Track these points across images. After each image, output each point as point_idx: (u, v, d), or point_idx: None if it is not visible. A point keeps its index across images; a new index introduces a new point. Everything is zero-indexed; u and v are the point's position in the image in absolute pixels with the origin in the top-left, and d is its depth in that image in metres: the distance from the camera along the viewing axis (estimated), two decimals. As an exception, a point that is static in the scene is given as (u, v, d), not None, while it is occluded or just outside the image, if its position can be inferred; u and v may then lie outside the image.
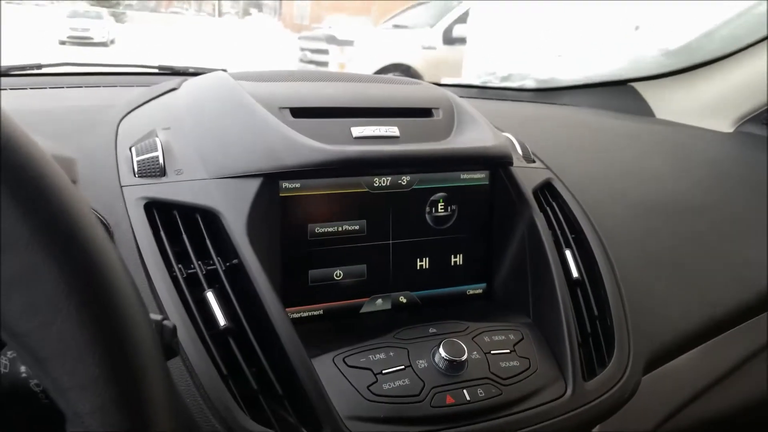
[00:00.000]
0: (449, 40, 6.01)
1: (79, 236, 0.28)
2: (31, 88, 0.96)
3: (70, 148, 0.69)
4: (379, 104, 0.75)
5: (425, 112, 0.76)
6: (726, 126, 1.30)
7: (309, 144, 0.63)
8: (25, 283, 0.27)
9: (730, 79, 1.28)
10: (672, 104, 1.34)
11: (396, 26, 6.79)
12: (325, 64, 6.46)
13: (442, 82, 1.43)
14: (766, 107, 1.27)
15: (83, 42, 11.29)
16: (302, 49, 7.07)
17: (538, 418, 0.63)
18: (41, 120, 0.75)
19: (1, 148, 0.27)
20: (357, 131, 0.69)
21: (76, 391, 0.27)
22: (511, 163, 0.74)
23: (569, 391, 0.65)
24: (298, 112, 0.69)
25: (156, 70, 1.16)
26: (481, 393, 0.61)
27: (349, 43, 6.32)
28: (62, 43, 11.21)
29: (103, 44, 11.65)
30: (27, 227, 0.27)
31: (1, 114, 0.29)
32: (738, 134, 1.29)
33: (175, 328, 0.38)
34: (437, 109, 0.76)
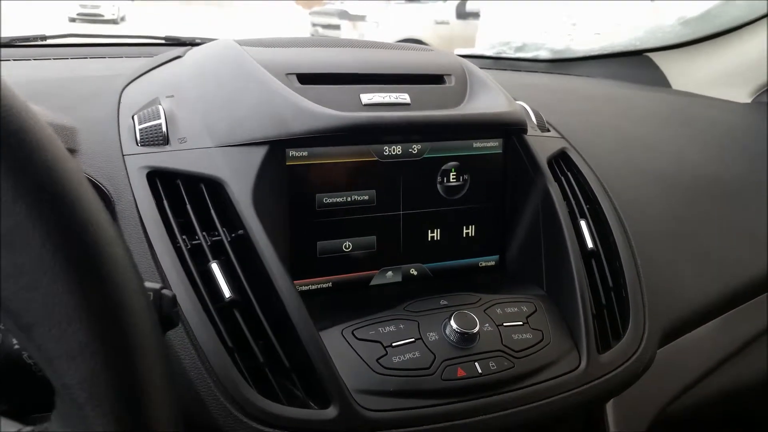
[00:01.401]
0: (462, 14, 5.92)
1: (66, 196, 0.27)
2: (35, 59, 0.94)
3: (72, 118, 0.67)
4: (389, 70, 0.72)
5: (437, 79, 0.73)
6: (743, 96, 1.26)
7: (316, 110, 0.61)
8: (10, 243, 0.25)
9: (747, 49, 1.24)
10: (688, 75, 1.31)
11: (409, 0, 6.70)
12: (336, 39, 6.40)
13: (456, 52, 1.39)
14: (784, 77, 1.23)
15: (93, 19, 11.27)
16: (314, 25, 7.02)
17: (552, 391, 0.62)
18: (43, 90, 0.73)
19: None
20: (366, 98, 0.67)
21: (63, 360, 0.26)
22: (525, 131, 0.71)
23: (583, 364, 0.64)
24: (306, 78, 0.67)
25: (162, 41, 1.14)
26: (493, 366, 0.60)
27: (362, 18, 6.25)
28: (72, 20, 11.19)
29: (113, 21, 11.62)
30: (11, 185, 0.25)
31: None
32: (755, 105, 1.26)
33: (174, 297, 0.37)
34: (449, 75, 0.74)
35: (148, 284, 0.36)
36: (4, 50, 0.99)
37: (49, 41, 1.07)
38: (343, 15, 6.46)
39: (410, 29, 6.03)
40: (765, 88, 1.25)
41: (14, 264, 0.25)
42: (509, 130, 0.71)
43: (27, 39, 1.05)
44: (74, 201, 0.27)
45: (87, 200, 0.27)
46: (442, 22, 6.10)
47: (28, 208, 0.25)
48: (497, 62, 1.37)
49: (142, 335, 0.28)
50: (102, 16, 11.46)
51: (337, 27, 6.52)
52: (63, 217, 0.26)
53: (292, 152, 0.63)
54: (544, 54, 1.39)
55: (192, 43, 1.12)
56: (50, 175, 0.26)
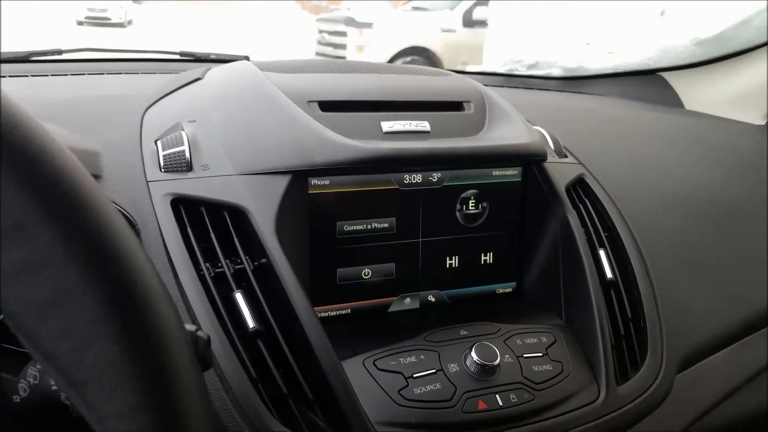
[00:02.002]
0: (469, 22, 5.93)
1: (117, 256, 0.27)
2: (52, 75, 0.95)
3: (94, 141, 0.68)
4: (409, 97, 0.73)
5: (456, 106, 0.74)
6: (757, 118, 1.26)
7: (339, 141, 0.62)
8: (61, 305, 0.26)
9: (762, 70, 1.24)
10: (701, 95, 1.31)
11: (415, 8, 6.72)
12: (343, 46, 6.41)
13: (467, 69, 1.40)
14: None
15: (101, 22, 11.29)
16: (320, 31, 7.02)
17: (571, 424, 0.62)
18: (63, 110, 0.74)
19: (36, 164, 0.26)
20: (387, 126, 0.67)
21: (113, 419, 0.26)
22: (545, 160, 0.72)
23: (602, 396, 0.64)
24: (327, 106, 0.67)
25: (177, 57, 1.15)
26: (513, 398, 0.60)
27: (368, 25, 6.26)
28: (80, 23, 11.22)
29: (121, 25, 11.65)
30: (62, 247, 0.26)
31: (32, 121, 0.27)
32: None
33: (209, 339, 0.37)
34: (468, 102, 0.74)
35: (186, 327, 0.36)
36: (21, 66, 0.99)
37: (64, 55, 1.08)
38: (350, 22, 6.47)
39: (417, 37, 6.04)
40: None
41: (66, 325, 0.25)
42: (529, 160, 0.71)
43: (44, 53, 1.06)
44: (124, 261, 0.27)
45: (136, 259, 0.28)
46: (449, 30, 6.11)
47: (80, 270, 0.26)
48: (509, 80, 1.37)
49: (189, 391, 0.28)
50: (110, 19, 11.48)
51: (343, 34, 6.53)
52: (113, 279, 0.27)
53: (314, 181, 0.63)
54: (556, 72, 1.39)
55: (207, 59, 1.13)
56: (102, 236, 0.27)
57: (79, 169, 0.29)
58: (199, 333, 0.37)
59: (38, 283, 0.25)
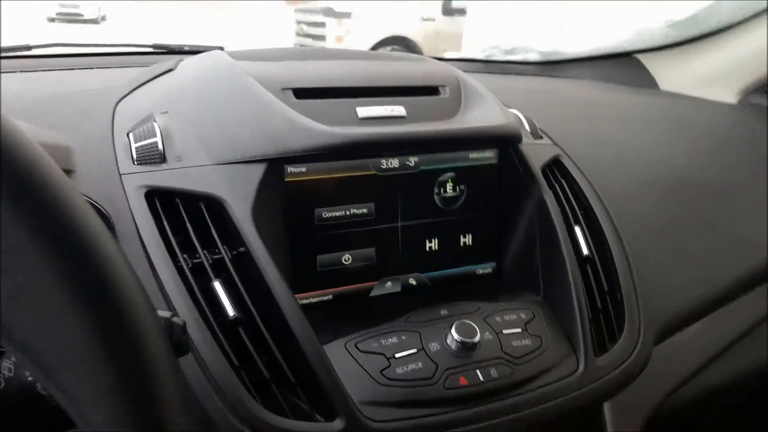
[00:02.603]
0: (448, 11, 5.93)
1: (85, 244, 0.27)
2: (21, 71, 0.93)
3: (66, 136, 0.67)
4: (384, 83, 0.73)
5: (432, 90, 0.74)
6: (731, 97, 1.28)
7: (314, 127, 0.62)
8: (30, 292, 0.26)
9: (734, 50, 1.26)
10: (676, 76, 1.32)
11: (393, -4, 6.69)
12: (322, 37, 6.38)
13: (445, 56, 1.40)
14: (770, 78, 1.25)
15: (73, 19, 11.10)
16: (298, 23, 6.98)
17: (551, 396, 0.63)
18: (34, 108, 0.73)
19: (1, 155, 0.26)
20: (362, 111, 0.67)
21: (88, 403, 0.26)
22: (520, 142, 0.72)
23: (581, 368, 0.65)
24: (302, 93, 0.67)
25: (150, 49, 1.13)
26: (494, 373, 0.61)
27: (347, 15, 6.23)
28: (51, 20, 11.02)
29: (94, 21, 11.46)
30: (30, 236, 0.26)
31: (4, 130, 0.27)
32: (743, 106, 1.27)
33: (185, 324, 0.37)
34: (444, 86, 0.74)
35: (159, 313, 0.36)
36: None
37: (34, 51, 1.06)
38: (328, 12, 6.44)
39: (396, 26, 6.03)
40: (752, 89, 1.26)
41: (36, 312, 0.26)
42: (504, 141, 0.72)
43: (12, 49, 1.04)
44: (93, 248, 0.27)
45: (105, 245, 0.28)
46: (429, 19, 6.10)
47: (51, 261, 0.26)
48: (487, 65, 1.38)
49: (163, 371, 0.28)
50: (82, 15, 11.28)
51: (322, 24, 6.49)
52: (82, 265, 0.27)
53: (290, 168, 0.63)
54: (533, 57, 1.40)
55: (181, 51, 1.12)
56: (69, 225, 0.27)
57: (44, 158, 0.29)
58: (174, 319, 0.37)
59: (8, 272, 0.26)
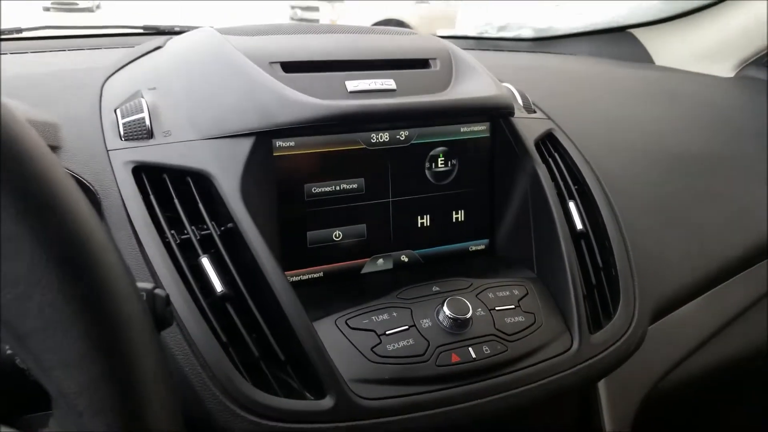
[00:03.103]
0: (442, -7, 5.87)
1: (56, 204, 0.26)
2: (11, 53, 0.92)
3: (53, 114, 0.66)
4: (374, 56, 0.71)
5: (422, 63, 0.73)
6: (726, 71, 1.27)
7: (302, 99, 0.61)
8: (1, 254, 0.25)
9: (729, 23, 1.25)
10: (671, 50, 1.31)
11: (388, -20, 6.62)
12: (316, 21, 6.33)
13: (438, 34, 1.38)
14: (767, 50, 1.24)
15: (68, 8, 11.01)
16: (292, 7, 6.92)
17: (545, 373, 0.62)
18: (22, 85, 0.72)
19: None
20: (352, 85, 0.66)
21: (60, 370, 0.25)
22: (513, 114, 0.71)
23: (575, 345, 0.65)
24: (290, 67, 0.66)
25: (141, 31, 1.12)
26: (486, 350, 0.60)
27: (340, -1, 6.18)
28: (46, 9, 10.91)
29: (89, 9, 11.34)
30: (0, 194, 0.25)
31: None
32: (739, 79, 1.26)
33: (167, 296, 0.36)
34: (434, 59, 0.73)
35: (140, 285, 0.36)
36: (-22, 45, 0.96)
37: (24, 34, 1.05)
38: (322, -4, 6.39)
39: (390, 9, 5.97)
40: (748, 62, 1.25)
41: (6, 274, 0.25)
42: (496, 113, 0.71)
43: (3, 32, 1.03)
44: (65, 209, 0.26)
45: (78, 207, 0.27)
46: (423, 2, 6.05)
47: (18, 217, 0.25)
48: (480, 42, 1.36)
49: (139, 341, 0.28)
50: (77, 4, 11.17)
51: (315, 9, 6.45)
52: (53, 226, 0.26)
53: (278, 143, 0.62)
54: (526, 33, 1.38)
55: (171, 32, 1.10)
56: (40, 184, 0.26)
57: (17, 121, 0.28)
58: (157, 291, 0.36)
59: None
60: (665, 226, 0.86)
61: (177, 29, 1.11)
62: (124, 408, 0.26)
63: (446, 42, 0.78)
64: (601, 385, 0.75)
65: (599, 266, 0.72)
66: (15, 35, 1.04)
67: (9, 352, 0.35)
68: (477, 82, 0.71)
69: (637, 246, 0.76)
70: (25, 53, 0.93)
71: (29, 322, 0.25)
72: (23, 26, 1.06)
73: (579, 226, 0.72)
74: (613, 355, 0.67)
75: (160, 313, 0.36)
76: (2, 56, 0.90)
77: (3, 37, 1.02)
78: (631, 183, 0.86)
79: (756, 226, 0.94)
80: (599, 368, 0.66)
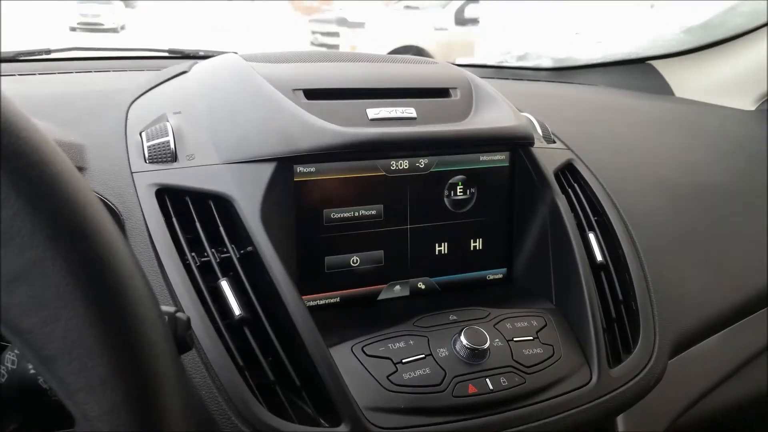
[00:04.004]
0: (461, 20, 5.94)
1: (86, 228, 0.26)
2: (39, 74, 0.94)
3: (79, 134, 0.67)
4: (395, 84, 0.72)
5: (442, 92, 0.73)
6: (748, 104, 1.26)
7: (324, 126, 0.61)
8: (29, 277, 0.25)
9: (751, 56, 1.24)
10: (692, 82, 1.31)
11: (407, 7, 6.72)
12: (336, 46, 6.43)
13: (457, 62, 1.40)
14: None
15: (94, 28, 11.27)
16: (313, 32, 7.03)
17: (563, 407, 0.61)
18: (49, 106, 0.73)
19: (1, 133, 0.25)
20: (372, 113, 0.67)
21: (84, 393, 0.25)
22: (533, 144, 0.71)
23: (594, 379, 0.64)
24: (312, 94, 0.67)
25: (166, 54, 1.14)
26: (504, 382, 0.60)
27: (360, 25, 6.27)
28: (73, 29, 11.20)
29: (114, 30, 11.63)
30: (29, 219, 0.25)
31: (1, 98, 0.27)
32: (760, 112, 1.25)
33: (188, 320, 0.37)
34: (455, 89, 0.74)
35: (163, 308, 0.36)
36: (9, 65, 0.99)
37: (53, 55, 1.07)
38: (342, 22, 6.48)
39: (409, 36, 6.04)
40: (768, 96, 1.25)
41: (33, 298, 0.25)
42: (516, 143, 0.71)
43: (31, 53, 1.05)
44: (94, 233, 0.27)
45: (106, 232, 0.27)
46: (441, 29, 6.11)
47: (47, 241, 0.25)
48: (499, 71, 1.37)
49: (162, 366, 0.28)
50: (102, 24, 11.45)
51: (336, 34, 6.55)
52: (82, 250, 0.26)
53: (299, 168, 0.63)
54: (546, 62, 1.39)
55: (195, 56, 1.13)
56: (70, 208, 0.26)
57: (49, 143, 0.28)
58: (179, 314, 0.37)
59: (6, 256, 0.25)
60: (685, 259, 0.85)
61: (201, 53, 1.14)
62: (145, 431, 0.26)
63: (466, 71, 0.78)
64: (620, 420, 0.73)
65: (619, 299, 0.71)
66: (44, 56, 1.07)
67: (32, 371, 0.36)
68: (497, 111, 0.71)
69: (657, 279, 0.76)
70: (54, 74, 0.95)
71: (54, 345, 0.26)
72: (52, 47, 1.08)
73: (599, 257, 0.72)
74: (633, 390, 0.66)
75: (181, 336, 0.36)
76: (32, 77, 0.92)
77: (32, 58, 1.05)
78: (651, 215, 0.85)
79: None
80: (618, 403, 0.65)
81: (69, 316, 0.25)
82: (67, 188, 0.26)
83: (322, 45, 6.77)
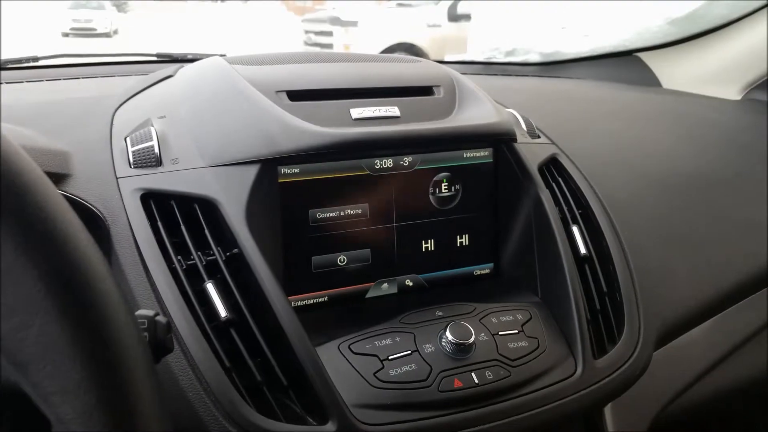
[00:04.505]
0: (454, 17, 5.94)
1: (56, 235, 0.27)
2: (27, 81, 0.95)
3: (65, 142, 0.68)
4: (378, 84, 0.73)
5: (426, 91, 0.74)
6: (733, 93, 1.27)
7: (306, 128, 0.62)
8: (0, 285, 0.26)
9: (736, 46, 1.25)
10: (678, 73, 1.31)
11: (400, 5, 6.72)
12: (329, 45, 6.41)
13: (446, 59, 1.40)
14: (773, 73, 1.24)
15: (86, 33, 11.26)
16: (306, 32, 7.02)
17: (549, 399, 0.62)
18: (35, 114, 0.74)
19: None
20: (356, 112, 0.67)
21: (58, 396, 0.26)
22: (515, 140, 0.72)
23: (579, 370, 0.64)
24: (296, 95, 0.67)
25: (154, 58, 1.14)
26: (489, 375, 0.60)
27: (354, 23, 6.26)
28: (65, 35, 11.19)
29: (106, 35, 11.61)
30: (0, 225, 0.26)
31: None
32: (746, 102, 1.26)
33: (168, 323, 0.37)
34: (438, 87, 0.74)
35: (142, 312, 0.36)
36: (-2, 73, 0.99)
37: (41, 62, 1.08)
38: (335, 21, 6.47)
39: (402, 33, 6.04)
40: (755, 85, 1.25)
41: (5, 305, 0.26)
42: (498, 139, 0.72)
43: (19, 61, 1.06)
44: (64, 239, 0.27)
45: (77, 238, 0.28)
46: (434, 26, 6.11)
47: (17, 249, 0.26)
48: (487, 67, 1.37)
49: (134, 369, 0.28)
50: (95, 30, 11.43)
51: (329, 33, 6.53)
52: (53, 257, 0.27)
53: (284, 169, 0.63)
54: (534, 57, 1.39)
55: (184, 59, 1.13)
56: (40, 215, 0.27)
57: (18, 152, 0.29)
58: (158, 318, 0.37)
59: None
60: (670, 250, 0.85)
61: (190, 57, 1.14)
62: None
63: (450, 69, 0.79)
64: (608, 410, 0.74)
65: (603, 291, 0.72)
66: (32, 64, 1.07)
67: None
68: (479, 108, 0.72)
69: (642, 270, 0.76)
70: (41, 81, 0.95)
71: (27, 350, 0.26)
72: (39, 55, 1.09)
73: (583, 250, 0.72)
74: (618, 381, 0.67)
75: (161, 339, 0.37)
76: (19, 85, 0.92)
77: (20, 66, 1.05)
78: (636, 206, 0.86)
79: (763, 249, 0.93)
80: (604, 393, 0.66)
81: (41, 323, 0.26)
82: (36, 196, 0.27)
83: (315, 44, 6.76)
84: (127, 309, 0.30)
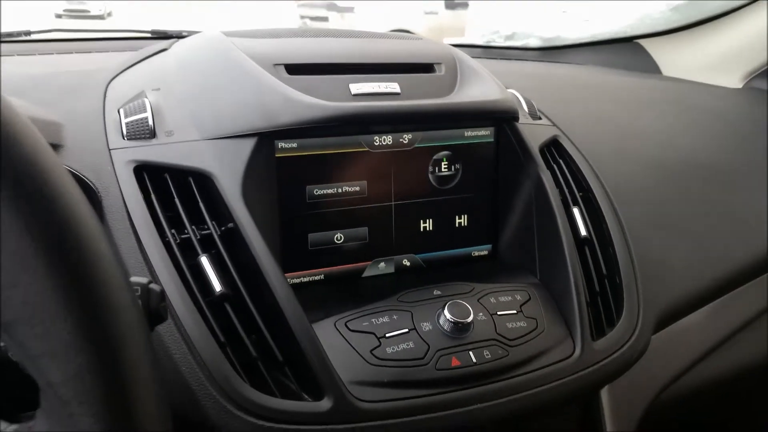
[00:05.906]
0: (451, 4, 5.91)
1: (46, 192, 0.26)
2: (19, 55, 0.93)
3: (57, 113, 0.66)
4: (379, 60, 0.71)
5: (427, 68, 0.73)
6: (735, 81, 1.26)
7: (305, 101, 0.60)
8: None
9: (738, 34, 1.24)
10: (679, 61, 1.30)
11: (396, -9, 6.67)
12: (325, 31, 6.38)
13: (446, 42, 1.39)
14: (774, 61, 1.23)
15: (80, 15, 11.13)
16: (302, 17, 6.97)
17: (546, 379, 0.61)
18: (28, 86, 0.72)
19: None
20: (355, 88, 0.66)
21: (47, 359, 0.25)
22: (517, 119, 0.71)
23: (577, 351, 0.64)
24: (294, 69, 0.66)
25: (149, 35, 1.13)
26: (487, 354, 0.60)
27: (350, 9, 6.22)
28: (58, 16, 11.05)
29: (100, 17, 11.48)
30: None
31: None
32: (747, 90, 1.25)
33: (162, 291, 0.36)
34: (439, 64, 0.73)
35: (135, 279, 0.35)
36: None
37: (33, 36, 1.06)
38: (332, 7, 6.44)
39: (399, 20, 6.01)
40: (756, 73, 1.24)
41: None
42: (500, 118, 0.71)
43: (11, 35, 1.04)
44: (55, 195, 0.26)
45: (68, 194, 0.27)
46: (431, 13, 6.08)
47: (6, 203, 0.24)
48: (487, 51, 1.36)
49: (127, 332, 0.27)
50: (89, 11, 11.31)
51: (325, 19, 6.50)
52: (43, 213, 0.25)
53: (281, 144, 0.62)
54: (534, 42, 1.38)
55: (179, 36, 1.11)
56: (29, 169, 0.25)
57: (11, 107, 0.27)
58: (152, 285, 0.36)
59: None
60: (670, 235, 0.85)
61: (185, 34, 1.12)
62: (110, 398, 0.26)
63: (451, 47, 0.78)
64: (604, 392, 0.73)
65: (603, 273, 0.71)
66: (24, 38, 1.05)
67: (2, 344, 0.35)
68: (482, 86, 0.70)
69: (642, 254, 0.76)
70: (33, 55, 0.94)
71: (14, 310, 0.25)
72: (32, 29, 1.06)
73: (583, 232, 0.72)
74: (616, 363, 0.66)
75: (155, 308, 0.36)
76: (10, 58, 0.91)
77: (13, 39, 1.03)
78: (636, 191, 0.85)
79: (762, 236, 0.93)
80: (601, 376, 0.65)
81: (29, 282, 0.25)
82: (25, 149, 0.26)
83: (311, 30, 6.73)
84: (121, 271, 0.29)
